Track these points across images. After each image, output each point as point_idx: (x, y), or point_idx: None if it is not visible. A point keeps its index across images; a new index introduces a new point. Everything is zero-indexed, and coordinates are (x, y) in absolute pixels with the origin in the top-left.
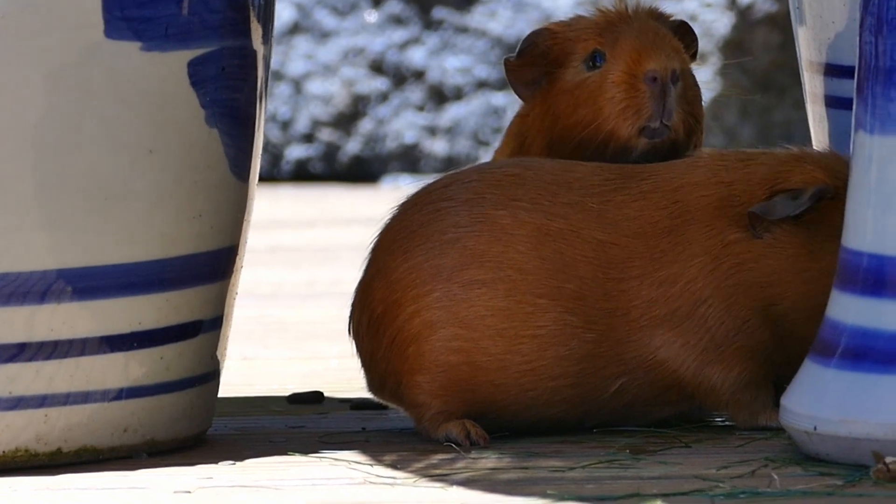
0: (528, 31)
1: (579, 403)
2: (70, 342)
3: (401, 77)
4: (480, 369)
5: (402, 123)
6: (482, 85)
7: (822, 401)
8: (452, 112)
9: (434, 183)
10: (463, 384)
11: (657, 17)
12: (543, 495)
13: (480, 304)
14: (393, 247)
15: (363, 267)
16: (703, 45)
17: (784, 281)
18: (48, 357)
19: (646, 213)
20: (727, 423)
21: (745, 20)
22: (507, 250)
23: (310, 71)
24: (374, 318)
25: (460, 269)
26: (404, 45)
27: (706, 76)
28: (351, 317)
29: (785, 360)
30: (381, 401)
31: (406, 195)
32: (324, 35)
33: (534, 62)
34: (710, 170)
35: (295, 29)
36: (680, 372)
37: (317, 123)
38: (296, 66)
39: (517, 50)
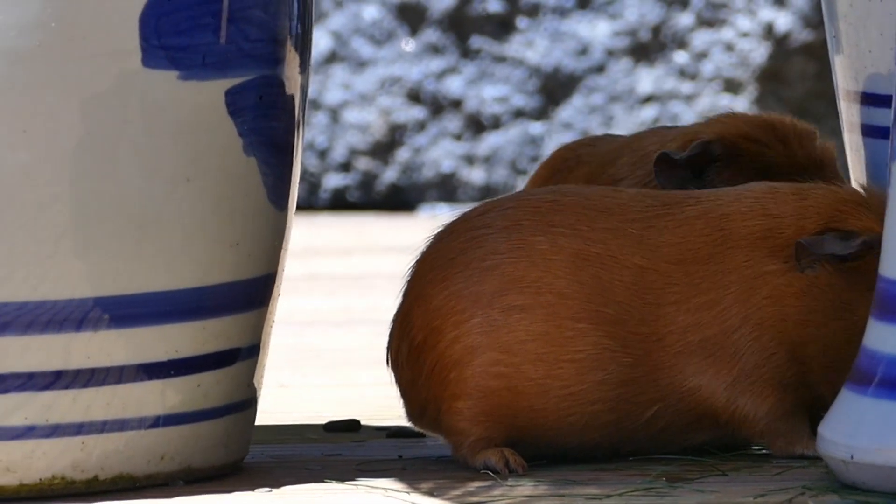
0: (564, 60)
1: (615, 429)
2: (107, 370)
3: (438, 106)
4: (521, 394)
5: (440, 152)
6: (519, 114)
7: (859, 429)
8: (490, 141)
9: (471, 211)
10: (504, 409)
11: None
12: None
13: (520, 329)
14: (431, 275)
15: (401, 295)
16: (740, 74)
17: (815, 323)
18: (85, 385)
19: (688, 240)
20: (764, 451)
21: (781, 49)
22: (546, 275)
23: (347, 100)
24: (415, 346)
25: (500, 294)
26: (441, 74)
27: (743, 105)
28: (389, 346)
29: (813, 398)
30: (419, 429)
31: (442, 224)
32: (361, 64)
33: (695, 166)
34: (758, 201)
35: (332, 58)
36: (712, 400)
37: (354, 152)
38: (333, 95)
39: (685, 155)
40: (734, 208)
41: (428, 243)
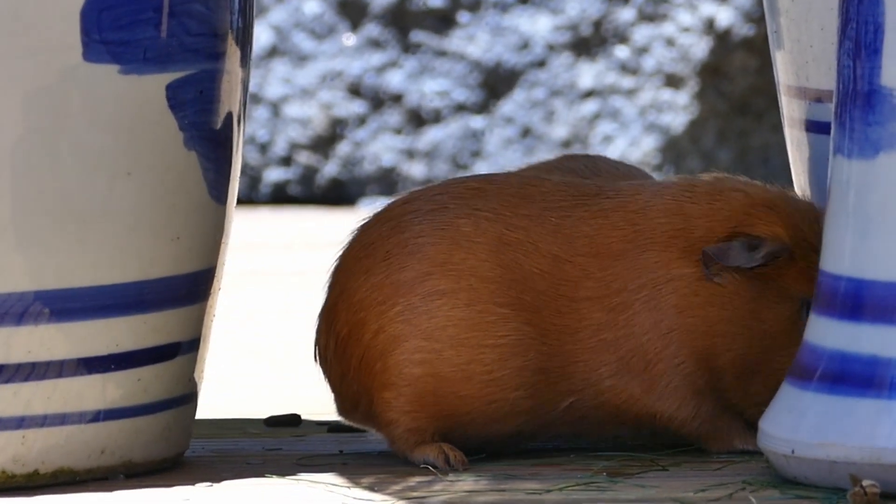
0: (505, 55)
1: (534, 416)
2: (47, 364)
3: (379, 100)
4: (444, 380)
5: (380, 146)
6: (461, 108)
7: (800, 424)
8: (431, 135)
9: (396, 199)
10: (429, 397)
11: None
12: None
13: (441, 315)
14: (354, 266)
15: (325, 290)
16: (681, 69)
17: (723, 333)
18: (26, 379)
19: (602, 233)
20: (705, 447)
21: (722, 44)
22: (469, 258)
23: (288, 94)
24: (341, 340)
25: (421, 280)
26: (382, 69)
27: (684, 100)
28: (317, 342)
29: (731, 406)
30: (352, 424)
31: (368, 214)
32: (302, 58)
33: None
34: (674, 198)
35: (273, 52)
36: (630, 403)
37: (295, 146)
38: (274, 90)
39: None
40: (651, 204)
41: (352, 234)
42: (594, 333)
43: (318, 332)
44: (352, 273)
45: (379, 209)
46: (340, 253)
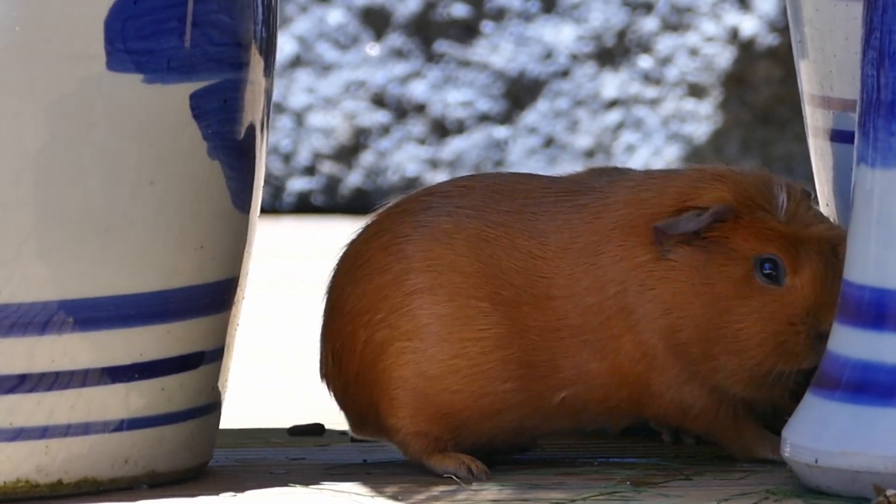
0: (529, 65)
1: (531, 410)
2: (71, 373)
3: (402, 110)
4: (433, 378)
5: (404, 156)
6: (484, 118)
7: (824, 433)
8: (454, 145)
9: (388, 206)
10: (421, 398)
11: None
12: None
13: (422, 313)
14: (342, 280)
15: (322, 309)
16: (705, 78)
17: (682, 305)
18: (49, 388)
19: (572, 228)
20: (730, 454)
21: (746, 54)
22: (447, 253)
23: (311, 104)
24: (336, 355)
25: (401, 279)
26: (406, 79)
27: (707, 110)
28: (319, 359)
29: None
30: (365, 439)
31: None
32: (325, 68)
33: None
34: (631, 188)
35: (296, 62)
36: (624, 401)
37: (318, 156)
38: (297, 99)
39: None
40: (615, 196)
41: (343, 248)
42: (574, 334)
43: (319, 349)
44: (340, 286)
45: (371, 218)
46: (333, 268)
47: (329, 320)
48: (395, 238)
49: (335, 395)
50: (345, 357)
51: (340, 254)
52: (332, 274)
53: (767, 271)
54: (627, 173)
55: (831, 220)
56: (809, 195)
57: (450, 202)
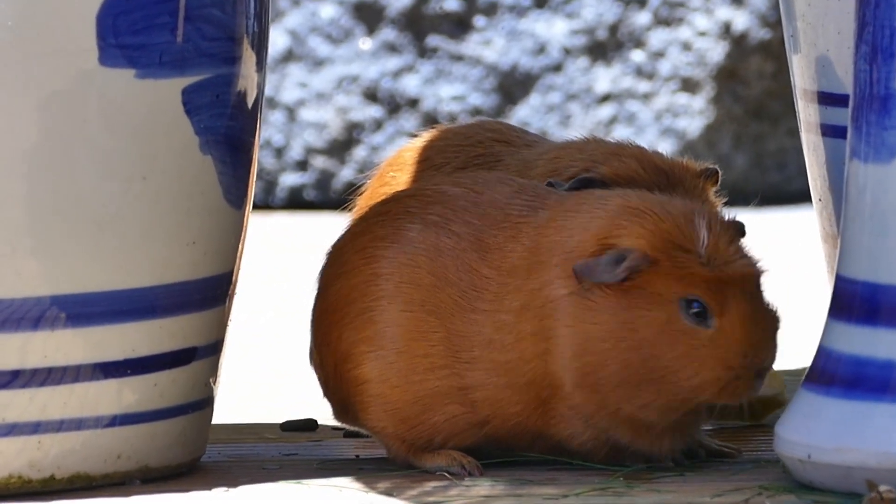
0: (522, 59)
1: (491, 430)
2: (64, 369)
3: (395, 105)
4: (395, 387)
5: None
6: (476, 113)
7: (816, 429)
8: None
9: (385, 200)
10: (386, 402)
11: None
12: None
13: (382, 320)
14: (327, 275)
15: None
16: (697, 73)
17: (599, 350)
18: (42, 384)
19: (509, 247)
20: (723, 448)
21: (739, 48)
22: (410, 263)
23: (303, 98)
24: (318, 348)
25: (368, 284)
26: (398, 73)
27: (700, 104)
28: (309, 350)
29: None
30: (345, 426)
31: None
32: (318, 63)
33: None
34: (563, 215)
35: (289, 56)
36: (530, 419)
37: (311, 151)
38: (290, 94)
39: (567, 186)
40: (551, 222)
41: (336, 239)
42: (487, 347)
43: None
44: (324, 280)
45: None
46: (323, 259)
47: (314, 313)
48: (372, 241)
49: (320, 384)
50: (324, 352)
51: (331, 245)
52: (321, 265)
53: (696, 310)
54: (575, 193)
55: (750, 254)
56: (735, 226)
57: (425, 209)
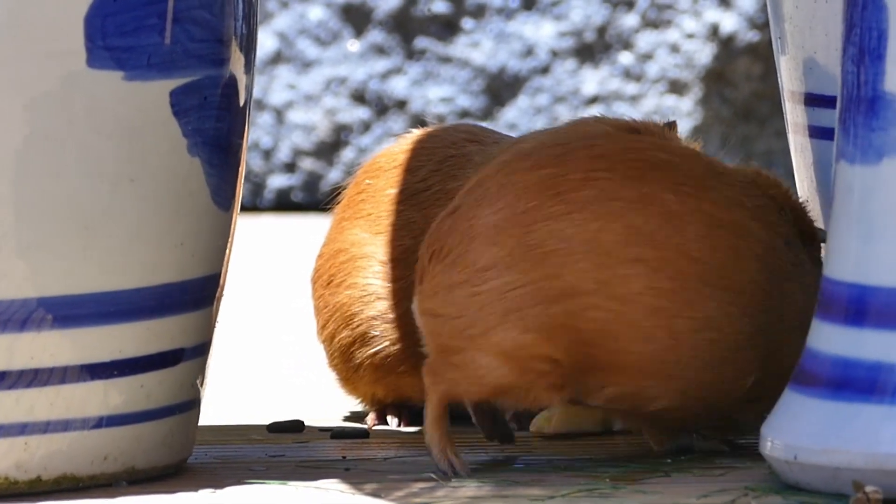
0: (509, 61)
1: None
2: (50, 370)
3: (383, 107)
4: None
5: None
6: (465, 114)
7: (803, 430)
8: None
9: None
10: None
11: None
12: None
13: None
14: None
15: None
16: (685, 75)
17: None
18: (28, 385)
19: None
20: (711, 451)
21: (727, 50)
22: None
23: (292, 100)
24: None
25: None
26: (386, 75)
27: (688, 106)
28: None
29: None
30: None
31: None
32: (306, 65)
33: None
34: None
35: (277, 58)
36: None
37: (299, 153)
38: (278, 96)
39: None
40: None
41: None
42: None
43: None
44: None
45: None
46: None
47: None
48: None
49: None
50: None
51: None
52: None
53: None
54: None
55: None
56: None
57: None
